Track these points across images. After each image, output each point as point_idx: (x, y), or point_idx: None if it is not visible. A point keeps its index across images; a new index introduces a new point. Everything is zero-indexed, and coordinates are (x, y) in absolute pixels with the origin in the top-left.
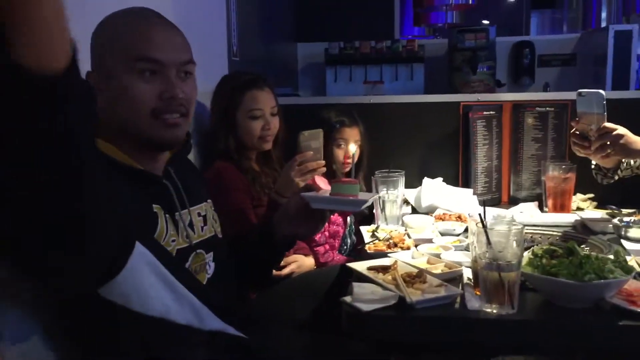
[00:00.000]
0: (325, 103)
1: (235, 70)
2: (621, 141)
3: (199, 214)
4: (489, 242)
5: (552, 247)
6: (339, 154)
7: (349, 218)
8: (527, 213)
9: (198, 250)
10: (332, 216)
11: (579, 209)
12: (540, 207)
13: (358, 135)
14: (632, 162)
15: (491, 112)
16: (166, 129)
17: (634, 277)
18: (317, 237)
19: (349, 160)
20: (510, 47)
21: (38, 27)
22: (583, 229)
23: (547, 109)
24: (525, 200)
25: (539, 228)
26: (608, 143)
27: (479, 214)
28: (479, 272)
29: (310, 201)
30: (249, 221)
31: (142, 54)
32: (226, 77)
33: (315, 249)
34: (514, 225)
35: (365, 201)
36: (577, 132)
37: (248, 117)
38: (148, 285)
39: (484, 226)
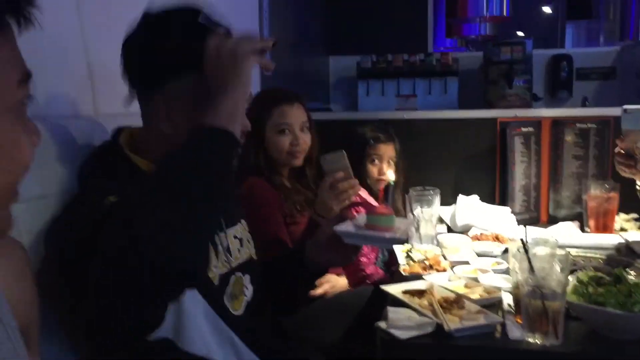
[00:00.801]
0: (357, 119)
1: (268, 86)
2: None
3: (235, 237)
4: (532, 269)
5: (598, 274)
6: (373, 170)
7: None
8: (566, 233)
9: (237, 274)
10: None
11: (622, 229)
12: (581, 227)
13: (393, 151)
14: None
15: (529, 129)
16: None
17: None
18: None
19: (383, 178)
20: (547, 60)
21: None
22: (627, 251)
23: (589, 125)
24: (565, 219)
25: (581, 250)
26: None
27: (521, 239)
28: (520, 299)
29: (343, 236)
30: (283, 243)
31: None
32: (259, 93)
33: (360, 259)
34: (559, 250)
35: (399, 239)
36: (622, 151)
37: (276, 132)
38: (197, 323)
39: (527, 252)
